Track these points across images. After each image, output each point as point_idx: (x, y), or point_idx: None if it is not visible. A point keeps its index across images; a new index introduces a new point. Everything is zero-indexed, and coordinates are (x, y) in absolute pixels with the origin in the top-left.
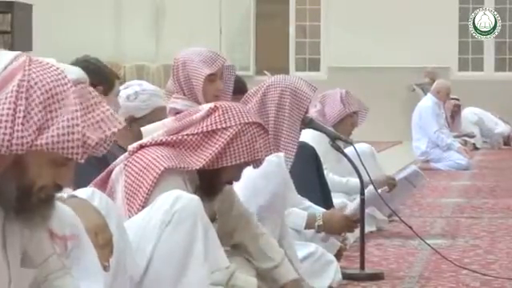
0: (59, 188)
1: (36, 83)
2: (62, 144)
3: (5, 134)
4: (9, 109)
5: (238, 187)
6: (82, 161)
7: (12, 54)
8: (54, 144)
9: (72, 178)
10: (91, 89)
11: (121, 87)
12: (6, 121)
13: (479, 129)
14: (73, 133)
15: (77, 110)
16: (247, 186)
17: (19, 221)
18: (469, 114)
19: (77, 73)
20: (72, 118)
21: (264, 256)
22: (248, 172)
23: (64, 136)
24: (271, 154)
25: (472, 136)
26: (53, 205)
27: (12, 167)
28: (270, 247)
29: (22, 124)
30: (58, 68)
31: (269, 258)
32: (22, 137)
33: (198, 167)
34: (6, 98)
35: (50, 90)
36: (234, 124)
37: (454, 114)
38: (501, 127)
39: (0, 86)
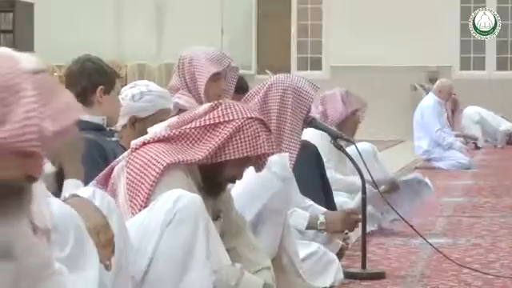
0: (31, 179)
1: None
2: (19, 138)
3: None
4: None
5: (236, 192)
6: (45, 153)
7: None
8: (11, 138)
9: (42, 168)
10: (51, 77)
11: (127, 86)
12: None
13: (481, 128)
14: (29, 125)
15: (34, 102)
16: (246, 191)
17: None
18: (471, 113)
19: (34, 62)
20: (28, 111)
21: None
22: (248, 175)
23: (20, 129)
24: (274, 152)
25: (474, 138)
26: (26, 196)
27: None
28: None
29: None
30: (12, 59)
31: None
32: None
33: (200, 158)
34: None
35: (6, 81)
36: (236, 118)
37: (453, 109)
38: (504, 125)
39: None
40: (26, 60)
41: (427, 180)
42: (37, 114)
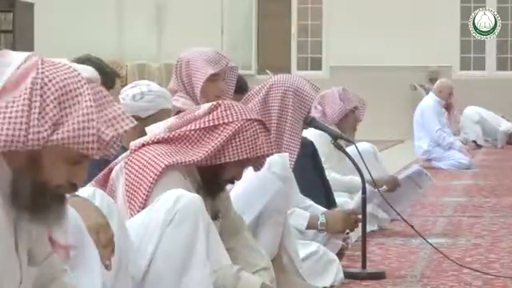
0: (74, 187)
1: (50, 80)
2: (78, 139)
3: (20, 129)
4: (24, 105)
5: (236, 192)
6: (97, 157)
7: (24, 54)
8: (69, 139)
9: (85, 177)
10: (103, 88)
11: (128, 86)
12: (22, 116)
13: (481, 128)
14: (88, 128)
15: (91, 106)
16: (246, 192)
17: (33, 220)
18: (471, 113)
19: (90, 71)
20: (87, 114)
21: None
22: (247, 175)
23: (79, 131)
24: (273, 152)
25: (465, 143)
26: (66, 204)
27: (27, 165)
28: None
29: (38, 120)
30: (70, 66)
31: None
32: (38, 132)
33: (199, 159)
34: (20, 96)
35: (64, 86)
36: (236, 119)
37: (449, 107)
38: (504, 125)
39: (14, 84)
40: (82, 69)
41: (427, 172)
42: (95, 117)
